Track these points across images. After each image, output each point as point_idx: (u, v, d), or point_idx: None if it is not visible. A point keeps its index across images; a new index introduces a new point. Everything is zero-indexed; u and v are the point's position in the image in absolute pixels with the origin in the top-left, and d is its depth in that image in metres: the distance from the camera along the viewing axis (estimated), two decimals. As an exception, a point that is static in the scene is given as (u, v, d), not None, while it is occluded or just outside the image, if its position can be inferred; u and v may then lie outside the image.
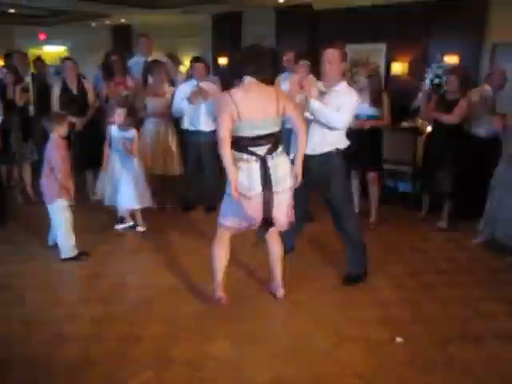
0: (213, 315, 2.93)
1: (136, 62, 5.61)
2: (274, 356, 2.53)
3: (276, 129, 2.73)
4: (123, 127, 4.08)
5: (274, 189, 2.71)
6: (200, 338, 2.69)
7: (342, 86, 3.19)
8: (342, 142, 3.28)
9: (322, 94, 3.21)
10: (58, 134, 3.55)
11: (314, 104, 3.04)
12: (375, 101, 4.39)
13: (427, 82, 5.38)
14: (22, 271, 3.54)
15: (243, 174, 2.69)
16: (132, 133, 4.09)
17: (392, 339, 2.69)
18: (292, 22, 7.93)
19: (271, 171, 2.70)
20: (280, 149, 2.78)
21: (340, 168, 3.27)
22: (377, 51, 7.31)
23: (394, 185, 5.64)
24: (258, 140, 2.68)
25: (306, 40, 7.97)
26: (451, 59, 6.39)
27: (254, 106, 2.63)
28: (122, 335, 2.70)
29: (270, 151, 2.71)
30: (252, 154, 2.68)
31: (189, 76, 5.10)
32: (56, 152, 3.51)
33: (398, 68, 7.09)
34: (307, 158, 3.21)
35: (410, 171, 5.07)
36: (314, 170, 3.27)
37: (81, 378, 2.34)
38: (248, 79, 2.70)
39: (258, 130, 2.67)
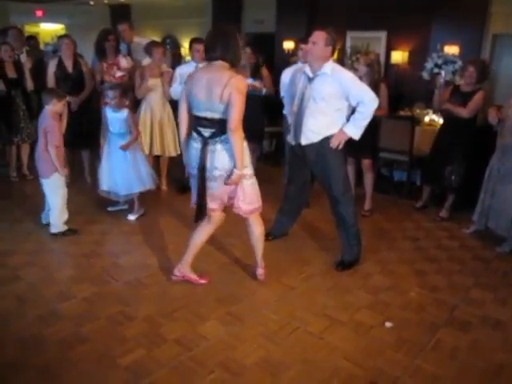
0: (205, 296, 2.96)
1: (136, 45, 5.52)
2: (264, 337, 2.56)
3: (219, 116, 2.66)
4: (116, 109, 4.04)
5: (208, 174, 2.75)
6: (192, 318, 2.72)
7: (328, 67, 3.14)
8: (337, 127, 3.27)
9: (308, 80, 3.20)
10: (53, 108, 3.54)
11: (349, 129, 3.21)
12: (374, 90, 4.35)
13: (443, 73, 5.28)
14: (17, 249, 3.55)
15: (192, 152, 2.80)
16: (124, 113, 4.03)
17: (381, 324, 2.73)
18: (292, 8, 7.86)
19: (208, 156, 2.72)
20: (223, 137, 2.69)
21: (337, 153, 3.28)
22: (377, 39, 7.26)
23: (390, 173, 5.66)
24: (202, 121, 2.72)
25: (305, 26, 7.90)
26: (451, 49, 6.37)
27: (201, 87, 2.66)
28: (114, 314, 2.72)
29: (213, 136, 2.71)
30: (198, 133, 2.76)
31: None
32: (51, 125, 3.51)
33: (398, 57, 7.05)
34: (303, 148, 3.29)
35: (407, 160, 5.09)
36: (312, 157, 3.30)
37: (73, 355, 2.37)
38: (213, 62, 2.70)
39: (202, 112, 2.70)
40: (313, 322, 2.72)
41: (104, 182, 4.09)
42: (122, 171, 4.00)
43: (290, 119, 3.50)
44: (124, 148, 3.96)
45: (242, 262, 3.42)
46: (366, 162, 4.52)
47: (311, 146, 3.29)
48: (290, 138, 3.48)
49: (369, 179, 4.59)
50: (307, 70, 3.23)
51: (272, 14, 8.19)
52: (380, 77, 4.54)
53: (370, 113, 3.18)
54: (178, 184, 4.99)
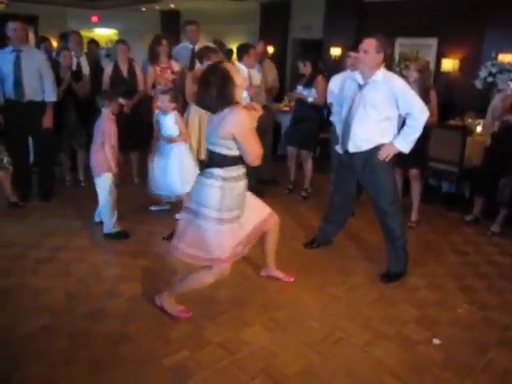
0: (250, 301, 2.96)
1: (183, 48, 5.65)
2: (307, 346, 2.54)
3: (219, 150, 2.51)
4: (166, 112, 4.13)
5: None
6: (236, 322, 2.73)
7: (380, 75, 3.09)
8: (388, 136, 3.20)
9: (359, 87, 3.16)
10: (108, 110, 3.67)
11: (398, 143, 3.13)
12: (424, 98, 4.24)
13: (510, 83, 5.06)
14: (68, 245, 3.69)
15: None
16: (173, 116, 4.11)
17: (428, 340, 2.65)
18: (341, 14, 7.80)
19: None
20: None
21: (385, 163, 3.21)
22: (427, 46, 7.10)
23: (438, 184, 5.49)
24: None
25: (353, 32, 7.83)
26: (507, 57, 6.13)
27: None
28: (159, 314, 2.77)
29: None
30: None
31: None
32: (108, 125, 3.64)
33: (449, 65, 6.85)
34: (351, 156, 3.26)
35: (456, 171, 4.92)
36: (359, 166, 3.26)
37: (118, 353, 2.43)
38: None
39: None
40: (357, 334, 2.67)
41: (156, 185, 4.19)
42: (171, 173, 4.09)
43: (339, 127, 3.47)
44: (169, 141, 4.05)
45: (286, 268, 3.41)
46: (414, 172, 4.41)
47: (359, 154, 3.24)
48: (338, 147, 3.45)
49: (416, 189, 4.47)
50: (357, 76, 3.20)
51: (320, 20, 8.16)
52: (430, 84, 4.44)
53: (420, 126, 3.08)
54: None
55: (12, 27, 4.23)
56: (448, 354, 2.53)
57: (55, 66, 4.77)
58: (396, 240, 3.29)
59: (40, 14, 11.12)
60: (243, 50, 4.81)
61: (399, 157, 4.05)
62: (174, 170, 4.10)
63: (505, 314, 2.96)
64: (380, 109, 3.10)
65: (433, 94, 4.27)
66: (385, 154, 3.16)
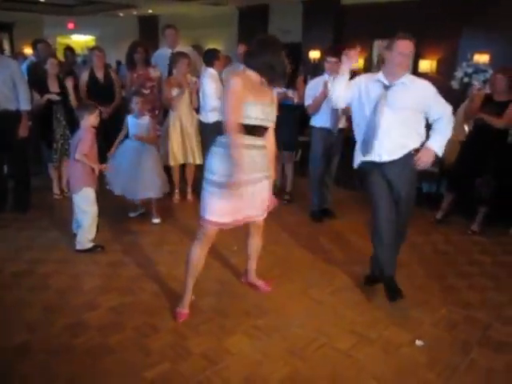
0: (233, 309, 2.93)
1: (161, 54, 5.62)
2: (291, 353, 2.52)
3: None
4: (138, 115, 4.10)
5: None
6: (218, 331, 2.69)
7: (408, 77, 2.93)
8: (417, 141, 2.99)
9: (384, 88, 2.93)
10: (88, 123, 3.59)
11: (435, 146, 2.91)
12: None
13: (476, 83, 5.13)
14: (45, 258, 3.60)
15: None
16: (145, 120, 4.10)
17: (412, 342, 2.65)
18: (319, 17, 7.87)
19: None
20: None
21: (415, 170, 3.01)
22: (405, 47, 7.17)
23: (419, 185, 5.54)
24: None
25: (331, 35, 7.89)
26: (482, 58, 6.24)
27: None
28: (140, 325, 2.72)
29: None
30: None
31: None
32: (86, 139, 3.53)
33: (426, 65, 6.95)
34: (383, 166, 2.98)
35: (436, 171, 4.97)
36: (395, 176, 2.98)
37: (99, 366, 2.37)
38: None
39: None
40: (341, 339, 2.66)
41: (120, 187, 4.14)
42: (139, 176, 4.07)
43: (361, 137, 3.07)
44: (137, 138, 4.06)
45: (267, 274, 3.38)
46: None
47: (396, 162, 2.95)
48: (361, 157, 3.08)
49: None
50: (381, 78, 2.96)
51: (298, 24, 8.20)
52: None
53: (450, 130, 2.95)
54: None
55: None
56: (431, 356, 2.54)
57: (40, 72, 4.66)
58: (402, 242, 3.23)
59: (15, 21, 10.96)
60: (213, 56, 4.81)
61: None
62: (144, 172, 4.08)
63: (486, 313, 2.99)
64: (410, 112, 2.91)
65: None
66: (425, 160, 2.90)
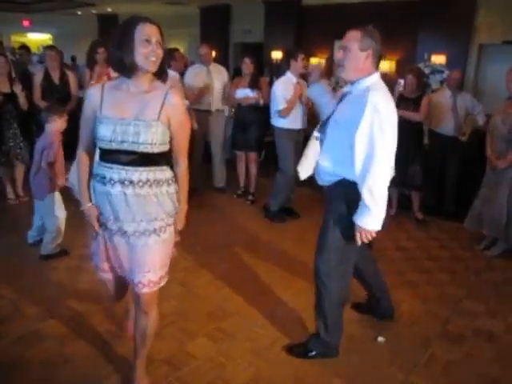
0: (195, 312, 2.89)
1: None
2: (254, 354, 2.50)
3: None
4: None
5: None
6: (180, 335, 2.65)
7: (364, 84, 2.17)
8: (351, 171, 2.24)
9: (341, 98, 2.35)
10: (56, 128, 3.43)
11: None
12: None
13: (402, 82, 5.35)
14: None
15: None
16: None
17: (373, 338, 2.69)
18: (280, 17, 7.90)
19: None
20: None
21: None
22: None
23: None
24: None
25: (293, 35, 7.95)
26: (438, 59, 6.42)
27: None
28: (100, 333, 2.64)
29: None
30: None
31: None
32: (49, 139, 3.38)
33: (386, 66, 7.09)
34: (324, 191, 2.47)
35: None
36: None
37: (55, 377, 2.29)
38: None
39: None
40: (303, 338, 2.66)
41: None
42: None
43: None
44: None
45: (229, 276, 3.36)
46: None
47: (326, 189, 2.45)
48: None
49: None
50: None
51: (260, 24, 8.22)
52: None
53: (380, 199, 2.17)
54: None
55: None
56: (392, 351, 2.58)
57: None
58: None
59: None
60: (168, 57, 4.73)
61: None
62: None
63: (444, 307, 3.07)
64: (344, 130, 2.18)
65: None
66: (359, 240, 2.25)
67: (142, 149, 1.86)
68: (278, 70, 6.66)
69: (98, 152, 2.00)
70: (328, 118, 2.37)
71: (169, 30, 9.48)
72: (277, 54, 7.74)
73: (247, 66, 4.92)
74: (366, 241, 2.23)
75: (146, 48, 1.81)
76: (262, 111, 4.98)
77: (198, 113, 5.01)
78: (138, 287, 1.99)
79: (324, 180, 2.39)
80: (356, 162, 2.13)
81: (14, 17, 10.70)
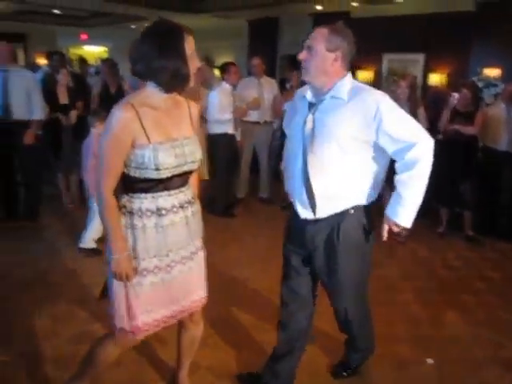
0: (237, 323, 2.89)
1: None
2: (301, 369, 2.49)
3: None
4: None
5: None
6: (224, 345, 2.67)
7: (344, 88, 1.89)
8: (368, 195, 1.97)
9: (309, 108, 1.96)
10: (97, 131, 3.60)
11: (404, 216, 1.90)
12: (412, 114, 4.27)
13: (456, 95, 5.21)
14: (53, 267, 3.61)
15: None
16: None
17: (422, 360, 2.61)
18: (329, 29, 7.91)
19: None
20: None
21: (359, 241, 2.00)
22: (414, 61, 7.20)
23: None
24: None
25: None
26: (492, 72, 6.22)
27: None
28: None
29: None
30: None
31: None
32: (96, 143, 3.56)
33: (437, 79, 6.94)
34: (303, 224, 2.03)
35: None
36: (312, 241, 2.03)
37: (104, 377, 2.32)
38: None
39: None
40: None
41: None
42: None
43: (288, 179, 2.11)
44: None
45: (272, 290, 3.36)
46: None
47: (322, 222, 1.98)
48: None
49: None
50: (307, 92, 2.01)
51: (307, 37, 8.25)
52: (419, 99, 4.49)
53: (426, 170, 1.86)
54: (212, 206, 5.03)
55: None
56: (441, 374, 2.50)
57: (51, 83, 4.73)
58: (356, 342, 2.34)
59: (29, 32, 11.15)
60: (223, 69, 4.93)
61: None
62: None
63: (496, 331, 2.94)
64: (346, 143, 1.86)
65: (421, 110, 4.32)
66: (385, 237, 1.98)
67: (196, 166, 1.81)
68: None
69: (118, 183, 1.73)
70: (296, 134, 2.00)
71: (216, 42, 9.70)
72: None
73: (296, 78, 4.97)
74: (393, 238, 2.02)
75: (193, 63, 1.69)
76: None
77: (247, 124, 5.09)
78: (195, 306, 1.95)
79: (325, 210, 1.95)
80: (395, 155, 1.88)
81: (72, 30, 11.25)
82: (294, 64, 5.83)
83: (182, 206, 1.79)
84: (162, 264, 1.78)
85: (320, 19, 7.96)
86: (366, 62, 7.55)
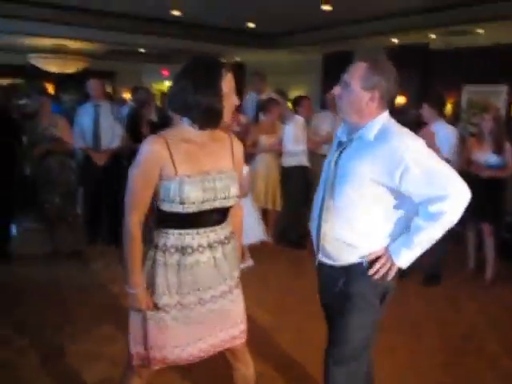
0: (307, 360, 2.82)
1: (249, 99, 5.85)
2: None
3: None
4: None
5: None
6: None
7: (373, 129, 1.73)
8: (380, 237, 1.79)
9: (338, 147, 1.86)
10: None
11: (399, 251, 1.75)
12: (498, 149, 4.06)
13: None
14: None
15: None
16: (245, 169, 4.19)
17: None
18: (405, 62, 7.74)
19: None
20: None
21: (366, 296, 1.82)
22: (496, 93, 6.87)
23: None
24: None
25: (419, 80, 7.75)
26: None
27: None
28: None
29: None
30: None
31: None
32: None
33: (524, 111, 6.55)
34: (319, 268, 1.98)
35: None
36: (324, 288, 2.01)
37: None
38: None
39: None
40: None
41: None
42: None
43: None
44: None
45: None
46: (488, 228, 4.14)
47: (333, 270, 1.89)
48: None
49: (491, 245, 4.19)
50: (341, 129, 1.90)
51: (383, 70, 8.17)
52: (504, 133, 4.24)
53: (451, 224, 1.70)
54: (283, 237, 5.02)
55: (91, 85, 4.60)
56: None
57: (137, 117, 4.94)
58: None
59: (117, 70, 12.08)
60: (296, 103, 5.08)
61: (472, 213, 3.70)
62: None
63: None
64: (363, 187, 1.74)
65: (507, 145, 4.07)
66: (374, 268, 1.77)
67: (230, 203, 1.73)
68: (402, 114, 6.53)
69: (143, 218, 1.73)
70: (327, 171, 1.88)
71: (289, 76, 9.88)
72: (399, 99, 7.59)
73: None
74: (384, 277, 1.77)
75: (230, 100, 1.66)
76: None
77: (319, 157, 5.08)
78: (235, 342, 1.86)
79: (342, 258, 1.83)
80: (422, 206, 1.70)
81: (155, 67, 12.03)
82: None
83: (210, 246, 1.72)
84: (185, 301, 1.72)
85: (395, 52, 7.87)
86: (446, 93, 7.32)
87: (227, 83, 1.64)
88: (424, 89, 7.47)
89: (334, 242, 1.81)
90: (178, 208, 1.63)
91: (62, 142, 4.36)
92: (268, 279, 4.11)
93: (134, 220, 1.69)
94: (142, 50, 10.14)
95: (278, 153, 4.96)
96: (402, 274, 1.85)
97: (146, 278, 1.73)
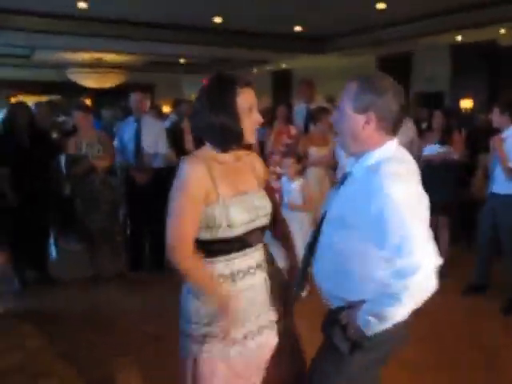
0: None
1: (298, 109, 5.42)
2: None
3: None
4: (291, 177, 3.75)
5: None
6: None
7: (370, 161, 1.45)
8: (364, 293, 1.47)
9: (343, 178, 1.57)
10: None
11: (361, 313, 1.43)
12: None
13: None
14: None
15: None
16: (299, 183, 3.75)
17: None
18: (470, 61, 7.08)
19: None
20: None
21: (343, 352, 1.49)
22: None
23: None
24: None
25: (485, 81, 7.04)
26: None
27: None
28: None
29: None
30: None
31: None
32: None
33: None
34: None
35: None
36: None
37: None
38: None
39: None
40: None
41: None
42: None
43: None
44: (291, 208, 3.63)
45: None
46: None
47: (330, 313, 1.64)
48: None
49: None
50: (350, 157, 1.60)
51: (445, 71, 7.50)
52: None
53: (404, 298, 1.34)
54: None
55: (133, 99, 4.27)
56: None
57: (178, 131, 4.67)
58: None
59: (156, 83, 11.91)
60: None
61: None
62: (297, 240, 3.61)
63: None
64: (335, 225, 1.52)
65: None
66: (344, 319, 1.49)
67: (268, 221, 1.65)
68: (469, 121, 5.85)
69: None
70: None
71: (341, 81, 9.34)
72: (466, 103, 6.87)
73: (439, 119, 4.28)
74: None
75: (250, 118, 1.54)
76: (457, 169, 4.25)
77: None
78: None
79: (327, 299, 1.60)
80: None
81: (195, 78, 11.82)
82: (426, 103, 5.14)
83: (259, 266, 1.62)
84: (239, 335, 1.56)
85: (459, 50, 7.20)
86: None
87: (245, 99, 1.52)
88: (492, 91, 6.74)
89: (322, 283, 1.63)
90: (225, 233, 1.53)
91: (106, 158, 4.11)
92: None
93: (186, 256, 1.51)
94: (182, 61, 9.88)
95: (331, 166, 4.42)
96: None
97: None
